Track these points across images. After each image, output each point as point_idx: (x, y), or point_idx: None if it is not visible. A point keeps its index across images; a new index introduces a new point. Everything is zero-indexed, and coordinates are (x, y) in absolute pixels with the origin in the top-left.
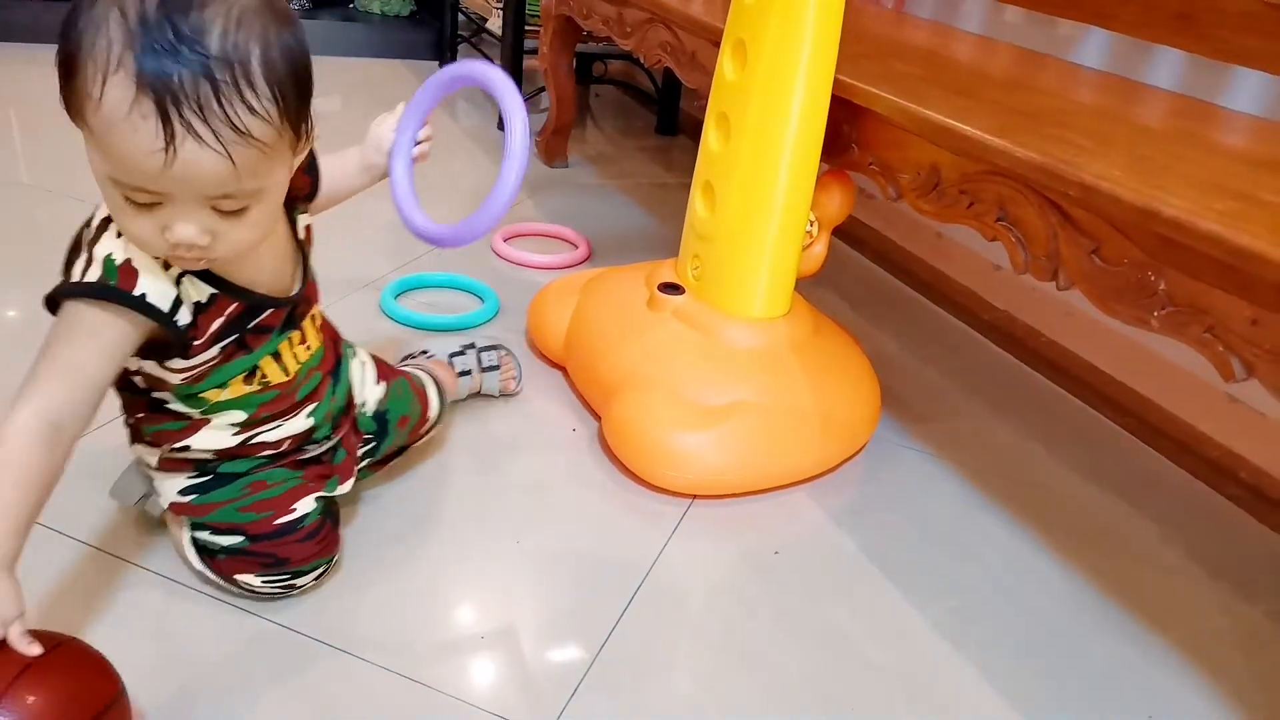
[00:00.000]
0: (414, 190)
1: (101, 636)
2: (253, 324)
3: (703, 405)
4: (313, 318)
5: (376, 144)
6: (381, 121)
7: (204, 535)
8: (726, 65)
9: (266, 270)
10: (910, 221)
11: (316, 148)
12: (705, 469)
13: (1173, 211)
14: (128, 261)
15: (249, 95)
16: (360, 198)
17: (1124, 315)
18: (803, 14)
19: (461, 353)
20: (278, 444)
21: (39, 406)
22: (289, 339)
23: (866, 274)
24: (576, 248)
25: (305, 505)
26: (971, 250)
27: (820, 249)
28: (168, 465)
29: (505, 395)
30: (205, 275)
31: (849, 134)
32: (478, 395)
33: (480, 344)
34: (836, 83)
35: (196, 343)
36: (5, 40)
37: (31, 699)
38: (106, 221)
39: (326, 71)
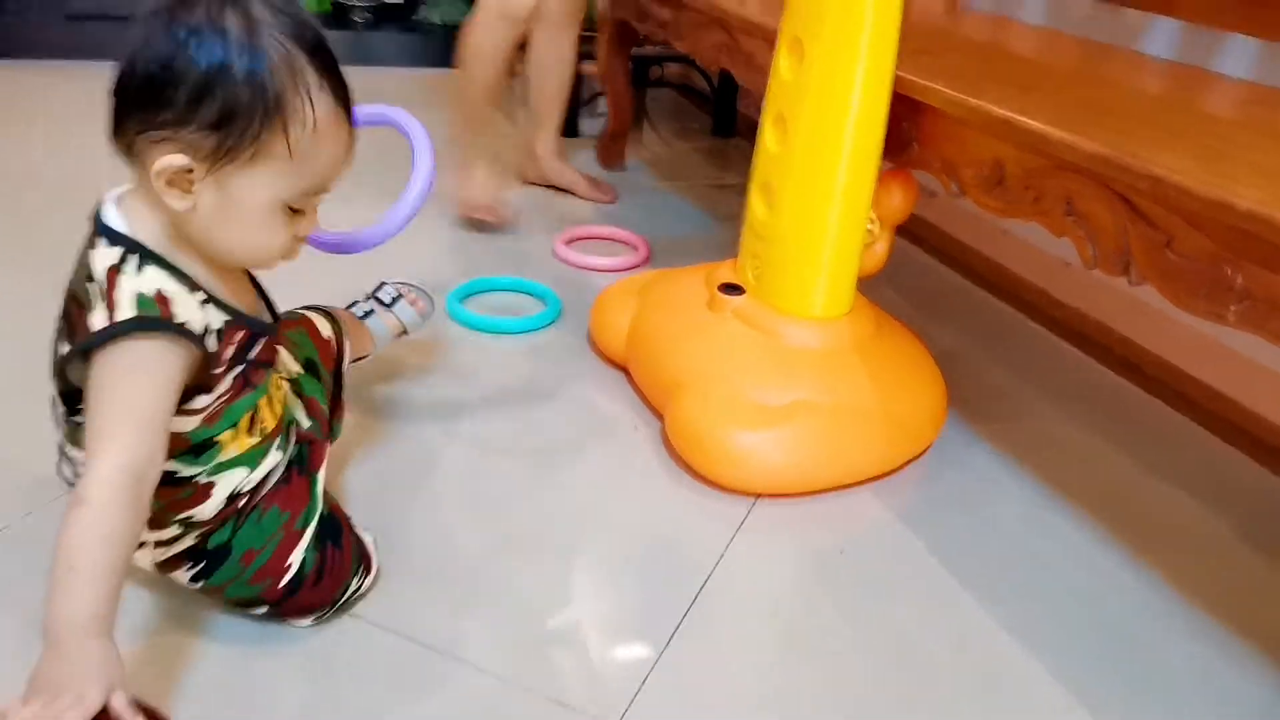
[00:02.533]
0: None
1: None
2: (253, 354)
3: (764, 405)
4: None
5: None
6: None
7: (240, 610)
8: (783, 64)
9: (246, 299)
10: (975, 219)
11: None
12: (768, 468)
13: (1247, 204)
14: (159, 292)
15: None
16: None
17: (1199, 310)
18: (860, 9)
19: (357, 302)
20: (253, 491)
21: (117, 460)
22: (274, 380)
23: (931, 272)
24: (636, 250)
25: (297, 555)
26: (1039, 247)
27: (882, 248)
28: (165, 567)
29: (424, 320)
30: (219, 304)
31: (909, 131)
32: (404, 336)
33: (373, 290)
34: (896, 80)
35: (216, 372)
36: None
37: None
38: (114, 270)
39: (388, 82)
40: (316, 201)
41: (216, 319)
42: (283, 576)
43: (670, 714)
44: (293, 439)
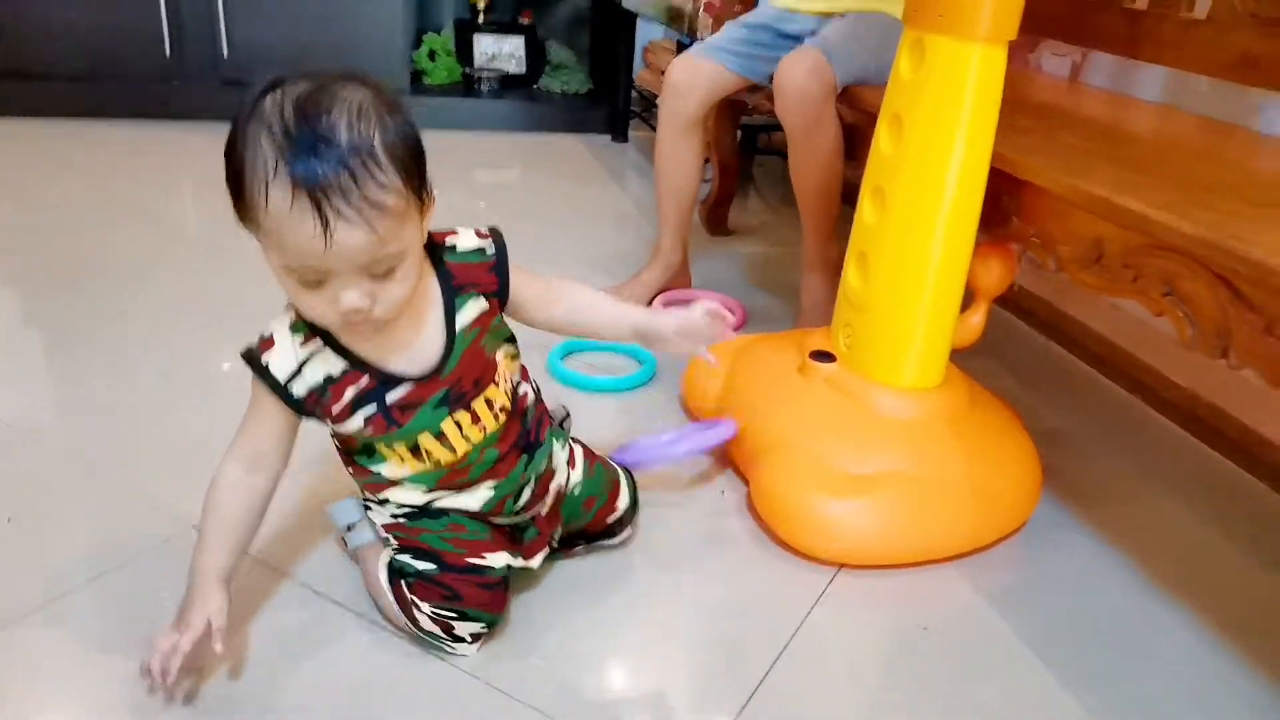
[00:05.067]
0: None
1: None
2: (391, 398)
3: (851, 473)
4: (488, 401)
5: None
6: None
7: (404, 558)
8: (883, 139)
9: (399, 351)
10: (1084, 293)
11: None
12: (852, 538)
13: None
14: (270, 335)
15: (378, 174)
16: (530, 261)
17: None
18: (959, 91)
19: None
20: (460, 509)
21: (235, 456)
22: (456, 420)
23: (1036, 346)
24: (732, 314)
25: (494, 559)
26: (1151, 325)
27: (978, 320)
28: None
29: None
30: (339, 350)
31: (1009, 205)
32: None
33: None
34: (995, 156)
35: (336, 409)
36: None
37: None
38: (288, 307)
39: (508, 146)
40: (349, 281)
41: (331, 366)
42: (474, 558)
43: None
44: (531, 510)
